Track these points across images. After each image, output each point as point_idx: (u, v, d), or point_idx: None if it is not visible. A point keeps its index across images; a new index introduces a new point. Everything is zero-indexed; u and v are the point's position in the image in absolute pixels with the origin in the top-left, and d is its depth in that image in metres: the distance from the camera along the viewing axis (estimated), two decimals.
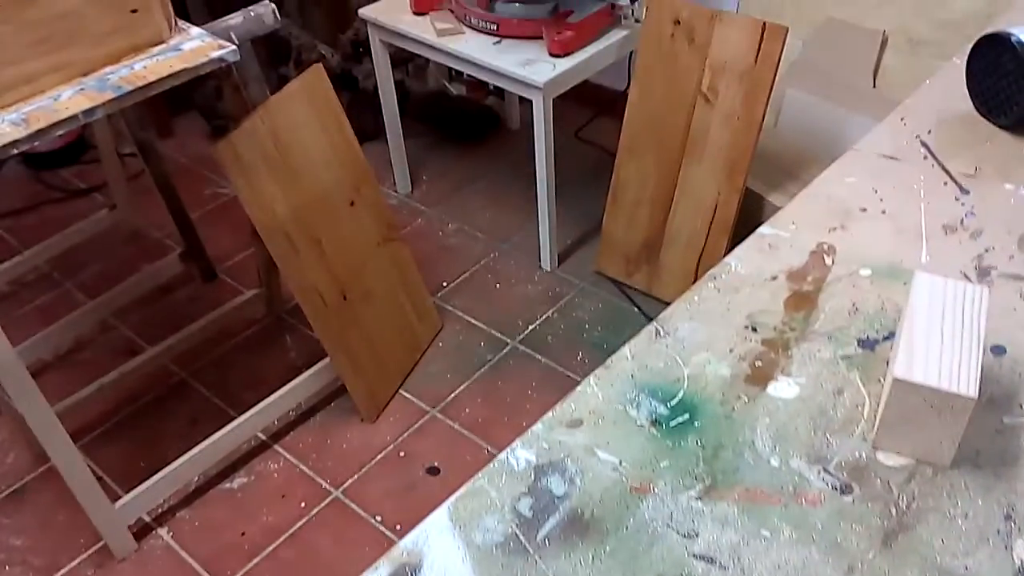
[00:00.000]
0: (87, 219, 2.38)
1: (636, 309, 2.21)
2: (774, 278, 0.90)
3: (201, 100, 2.82)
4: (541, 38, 2.07)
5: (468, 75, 2.40)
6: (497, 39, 2.10)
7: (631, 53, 2.24)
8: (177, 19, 1.51)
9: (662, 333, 0.86)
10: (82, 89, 1.38)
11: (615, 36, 2.12)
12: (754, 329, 0.85)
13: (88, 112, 1.35)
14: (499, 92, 2.90)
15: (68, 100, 1.35)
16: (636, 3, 2.07)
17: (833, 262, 0.92)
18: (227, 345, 2.16)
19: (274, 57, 2.69)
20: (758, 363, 0.82)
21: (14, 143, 1.28)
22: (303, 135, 1.79)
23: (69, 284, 2.37)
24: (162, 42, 1.48)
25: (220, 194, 2.67)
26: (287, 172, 1.75)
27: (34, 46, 1.34)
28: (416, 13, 2.23)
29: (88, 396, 1.91)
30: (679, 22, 1.95)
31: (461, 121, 2.87)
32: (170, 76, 1.42)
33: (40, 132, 1.31)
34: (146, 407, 2.02)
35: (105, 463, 1.89)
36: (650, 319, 2.11)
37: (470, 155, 2.80)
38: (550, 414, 0.77)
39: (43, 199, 2.70)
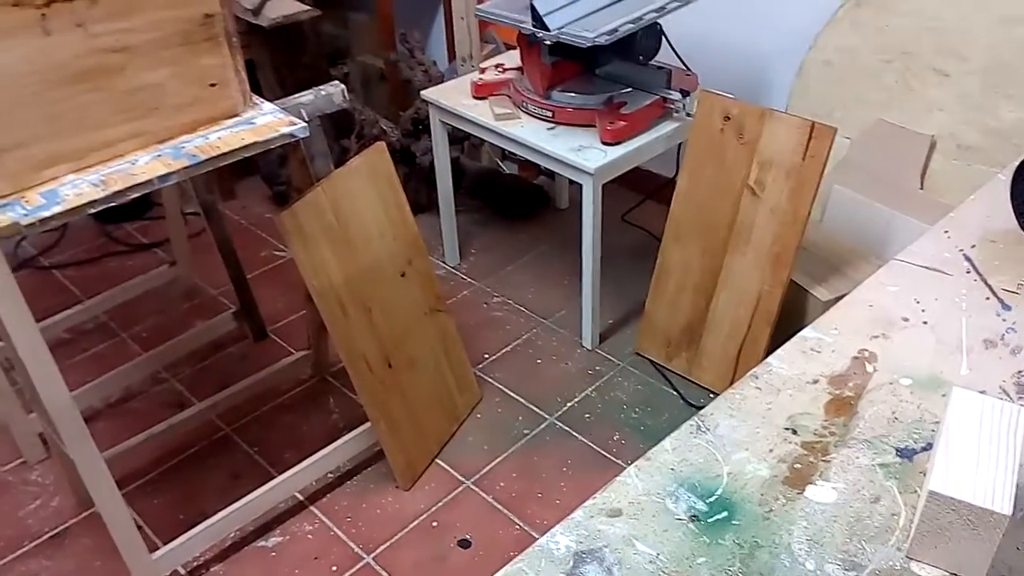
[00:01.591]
0: (147, 273, 2.48)
1: (675, 393, 2.22)
2: (815, 381, 0.93)
3: (265, 166, 2.94)
4: (594, 126, 2.15)
5: (520, 156, 2.48)
6: (552, 125, 2.18)
7: (680, 143, 2.30)
8: (252, 94, 1.61)
9: (703, 428, 0.88)
10: (159, 155, 1.46)
11: (666, 127, 2.18)
12: (794, 431, 0.87)
13: (163, 177, 1.43)
14: (549, 173, 2.98)
15: (145, 165, 1.44)
16: (688, 98, 2.14)
17: (874, 369, 0.94)
18: (272, 403, 2.22)
19: (338, 129, 2.81)
20: (797, 465, 0.84)
21: (91, 203, 1.37)
22: (362, 208, 1.87)
23: (125, 335, 2.45)
24: (236, 115, 1.57)
25: (276, 257, 2.77)
26: (344, 242, 1.83)
27: (118, 113, 1.43)
28: (476, 97, 2.33)
29: (135, 446, 1.97)
30: (729, 118, 2.01)
31: (511, 198, 2.95)
32: (242, 148, 1.50)
33: (117, 194, 1.39)
34: (189, 460, 2.07)
35: (145, 512, 1.94)
36: (689, 403, 2.14)
37: (518, 231, 2.87)
38: (591, 501, 0.80)
39: (107, 251, 2.82)
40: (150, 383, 2.28)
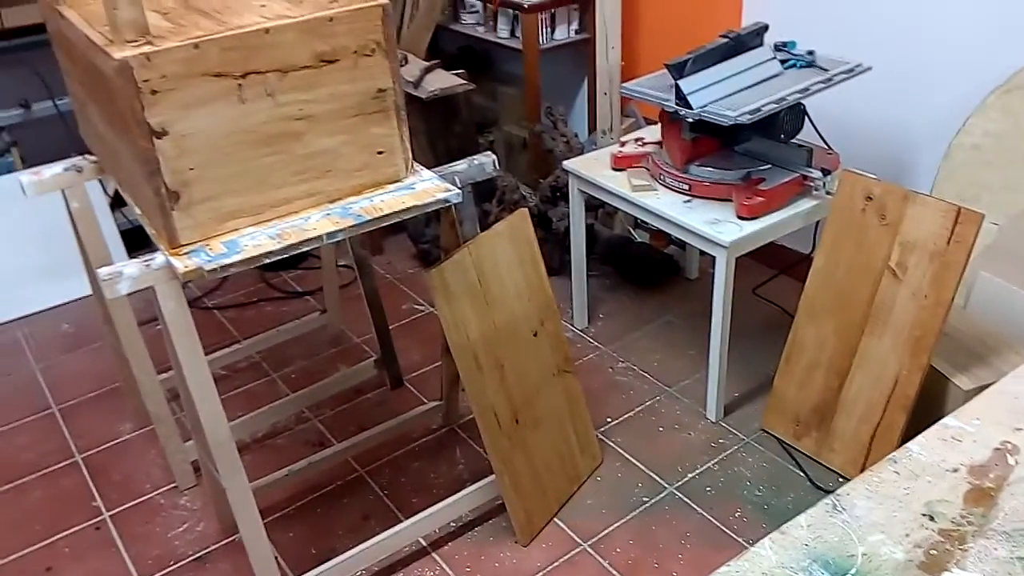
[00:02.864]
0: (299, 319, 2.66)
1: (801, 474, 2.18)
2: (955, 470, 0.93)
3: (412, 225, 3.11)
4: (730, 200, 2.18)
5: (653, 225, 2.53)
6: (688, 198, 2.23)
7: (817, 221, 2.30)
8: (413, 162, 1.74)
9: (839, 508, 0.90)
10: (328, 214, 1.60)
11: (803, 205, 2.19)
12: (931, 518, 0.88)
13: (331, 234, 1.56)
14: (680, 243, 3.02)
15: (316, 222, 1.58)
16: (828, 177, 2.15)
17: (1016, 462, 0.93)
18: (404, 449, 2.32)
19: (480, 193, 2.95)
20: (933, 552, 0.84)
21: (268, 254, 1.51)
22: (503, 269, 1.97)
23: (275, 375, 2.63)
24: (398, 180, 1.70)
25: (416, 311, 2.91)
26: (484, 300, 1.92)
27: (296, 175, 1.58)
28: (615, 168, 2.41)
29: (277, 480, 2.10)
30: (871, 198, 2.00)
31: (642, 266, 3.00)
32: (402, 211, 1.63)
33: (290, 247, 1.53)
34: (325, 497, 2.19)
35: (281, 544, 2.05)
36: (816, 486, 2.10)
37: (647, 299, 2.91)
38: (724, 568, 0.83)
39: (264, 296, 3.04)
40: (294, 421, 2.43)
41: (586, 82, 3.41)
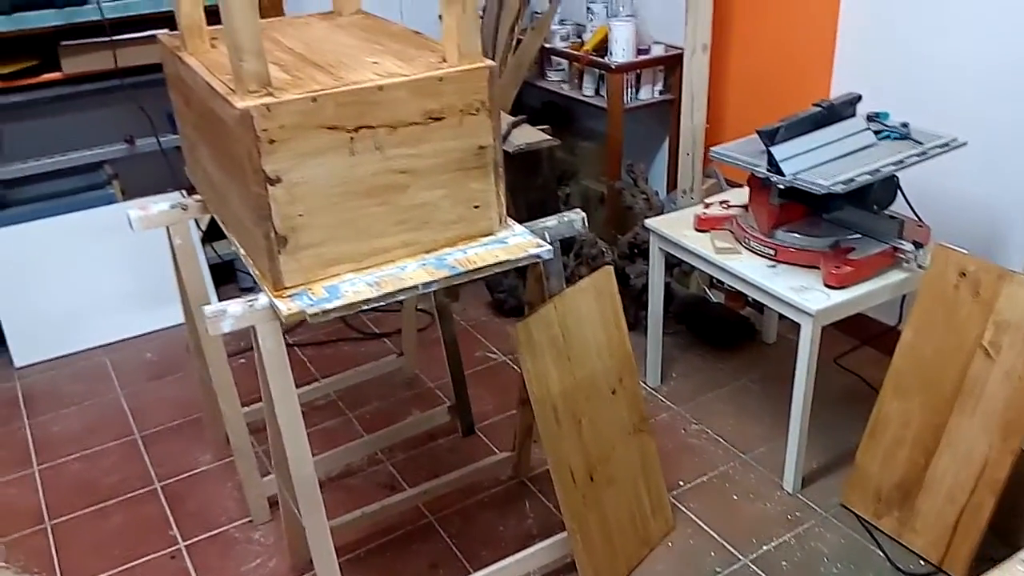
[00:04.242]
0: (377, 361, 2.71)
1: (881, 554, 2.11)
2: None
3: (489, 273, 3.15)
4: (816, 267, 2.16)
5: (729, 286, 2.52)
6: (773, 263, 2.22)
7: (905, 294, 2.27)
8: (506, 216, 1.78)
9: None
10: (424, 264, 1.64)
11: (893, 277, 2.16)
12: None
13: (426, 284, 1.59)
14: (757, 305, 2.99)
15: (412, 272, 1.61)
16: (921, 250, 2.12)
17: None
18: (474, 499, 2.32)
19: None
20: None
21: (366, 300, 1.55)
22: (585, 325, 1.98)
23: (351, 414, 2.67)
24: (492, 234, 1.74)
25: (488, 359, 2.94)
26: (566, 355, 1.93)
27: (396, 225, 1.62)
28: (698, 230, 2.41)
29: (351, 521, 2.12)
30: (965, 274, 1.97)
31: (718, 327, 2.98)
32: (495, 264, 1.65)
33: (387, 295, 1.56)
34: (395, 542, 2.20)
35: None
36: (896, 567, 2.03)
37: (722, 361, 2.88)
38: None
39: (343, 336, 3.10)
40: (367, 463, 2.46)
41: (667, 141, 3.43)
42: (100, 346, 3.09)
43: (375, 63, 1.64)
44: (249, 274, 3.39)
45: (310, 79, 1.54)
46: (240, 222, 1.66)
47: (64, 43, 2.75)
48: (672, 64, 3.22)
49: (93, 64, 2.78)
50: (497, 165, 1.69)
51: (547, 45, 3.41)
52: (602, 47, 3.19)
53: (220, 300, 2.24)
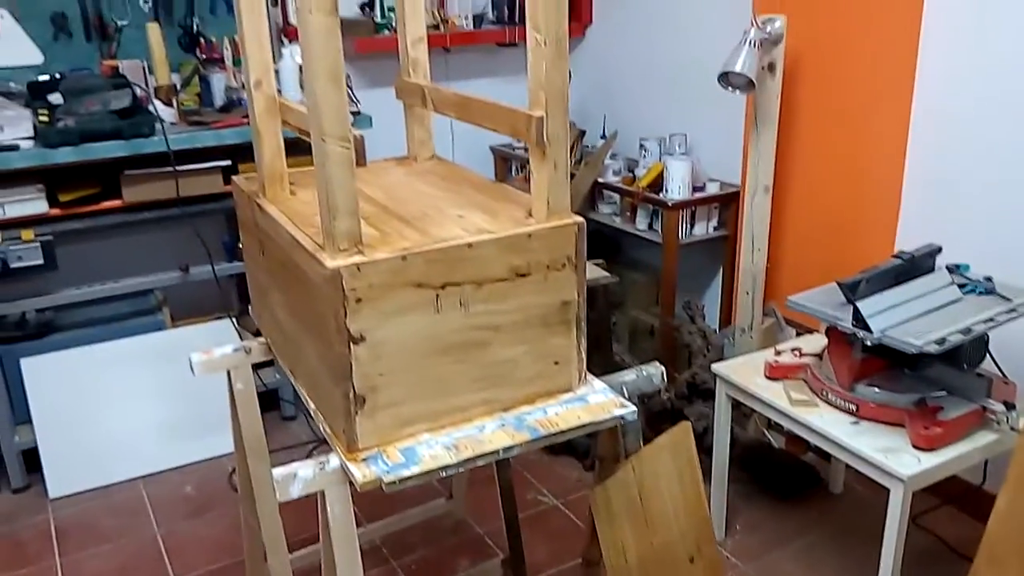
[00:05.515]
0: (424, 504, 2.57)
1: None
2: None
3: (571, 437, 3.05)
4: (900, 425, 2.05)
5: (789, 429, 2.40)
6: (856, 420, 2.11)
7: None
8: (585, 371, 1.70)
9: None
10: (503, 424, 1.55)
11: (982, 438, 2.04)
12: None
13: (507, 449, 1.50)
14: (820, 451, 2.86)
15: (491, 434, 1.52)
16: (1013, 412, 2.01)
17: None
18: None
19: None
20: None
21: (444, 467, 1.45)
22: (663, 487, 1.86)
23: (396, 563, 2.52)
24: (571, 390, 1.66)
25: (540, 502, 2.79)
26: (644, 521, 1.81)
27: (474, 382, 1.55)
28: (768, 377, 2.32)
29: None
30: None
31: (780, 475, 2.84)
32: (578, 427, 1.56)
33: (467, 461, 1.47)
34: None
35: None
36: None
37: (786, 512, 2.73)
38: None
39: None
40: None
41: (720, 276, 3.38)
42: (138, 477, 2.98)
43: (460, 216, 1.60)
44: (292, 403, 3.28)
45: (397, 234, 1.50)
46: (314, 377, 1.59)
47: (127, 172, 2.77)
48: (727, 201, 3.21)
49: (154, 193, 2.79)
50: (580, 321, 1.63)
51: (599, 180, 3.42)
52: (656, 183, 3.18)
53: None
